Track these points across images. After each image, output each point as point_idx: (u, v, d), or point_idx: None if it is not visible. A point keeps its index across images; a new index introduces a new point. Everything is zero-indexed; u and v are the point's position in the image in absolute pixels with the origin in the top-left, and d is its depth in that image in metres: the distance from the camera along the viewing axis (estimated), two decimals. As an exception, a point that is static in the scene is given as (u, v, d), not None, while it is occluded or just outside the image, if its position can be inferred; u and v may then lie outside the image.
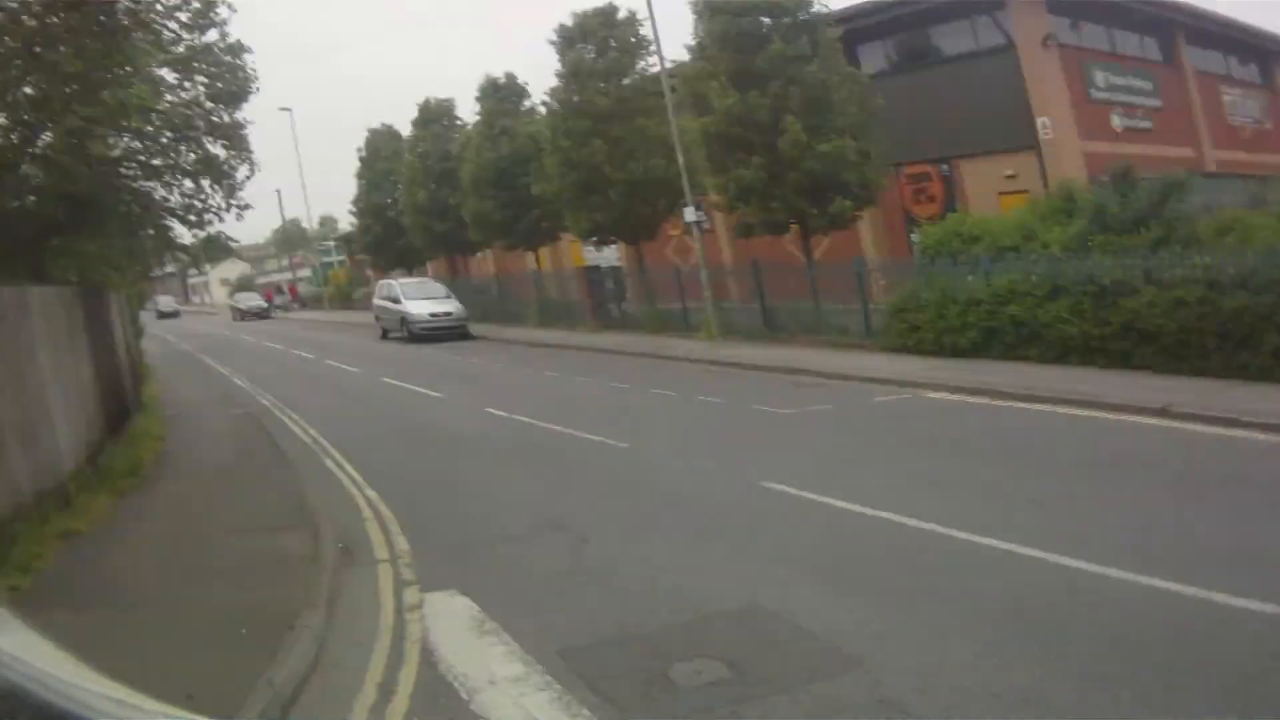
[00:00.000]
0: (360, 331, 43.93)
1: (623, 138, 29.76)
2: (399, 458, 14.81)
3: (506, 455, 14.24)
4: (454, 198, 42.95)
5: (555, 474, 12.79)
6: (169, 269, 26.50)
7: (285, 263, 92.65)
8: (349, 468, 14.09)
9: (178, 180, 16.44)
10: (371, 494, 12.26)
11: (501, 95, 40.19)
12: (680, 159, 25.69)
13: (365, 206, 54.27)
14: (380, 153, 54.03)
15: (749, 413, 16.14)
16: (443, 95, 51.08)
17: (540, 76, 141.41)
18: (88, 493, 11.93)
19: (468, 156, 40.82)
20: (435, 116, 47.66)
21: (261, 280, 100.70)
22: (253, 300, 72.78)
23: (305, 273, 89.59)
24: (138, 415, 19.03)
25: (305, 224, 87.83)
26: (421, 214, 45.90)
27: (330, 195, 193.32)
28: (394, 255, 53.75)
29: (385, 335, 39.10)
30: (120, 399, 17.91)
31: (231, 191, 16.77)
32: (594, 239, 33.03)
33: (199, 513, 11.65)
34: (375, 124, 56.52)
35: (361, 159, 54.82)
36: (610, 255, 38.14)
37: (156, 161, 16.10)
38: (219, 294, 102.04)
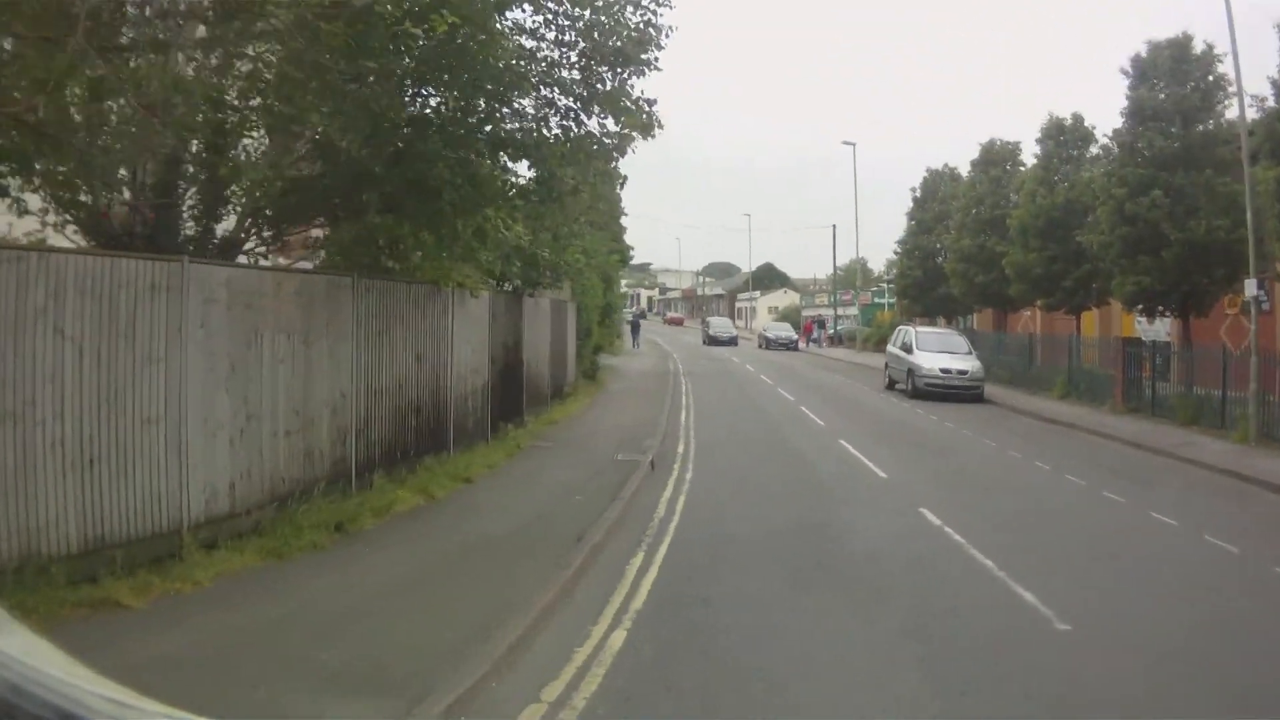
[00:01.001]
0: (869, 378, 43.10)
1: (1185, 190, 26.44)
2: (724, 579, 10.86)
3: (882, 605, 10.06)
4: (1000, 247, 40.90)
5: (919, 669, 8.15)
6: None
7: (835, 298, 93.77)
8: (647, 579, 10.63)
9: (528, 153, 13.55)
10: (609, 654, 8.25)
11: (1065, 138, 37.64)
12: (1249, 220, 22.22)
13: (910, 248, 53.46)
14: (935, 194, 53.05)
15: (1265, 580, 11.70)
16: (1012, 138, 48.89)
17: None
18: (224, 548, 10.07)
19: (1020, 202, 38.72)
20: (997, 159, 45.81)
21: (808, 313, 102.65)
22: (781, 331, 74.28)
23: (853, 311, 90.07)
24: (470, 449, 17.36)
25: (870, 264, 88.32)
26: (965, 261, 44.19)
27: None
28: (934, 303, 52.43)
29: (891, 386, 37.84)
30: (416, 426, 15.33)
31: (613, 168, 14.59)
32: (1140, 307, 29.74)
33: (295, 633, 8.27)
34: (937, 164, 55.53)
35: (915, 199, 54.16)
36: (1161, 329, 34.36)
37: (488, 127, 13.22)
38: (764, 321, 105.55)
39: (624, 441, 20.91)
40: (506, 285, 21.35)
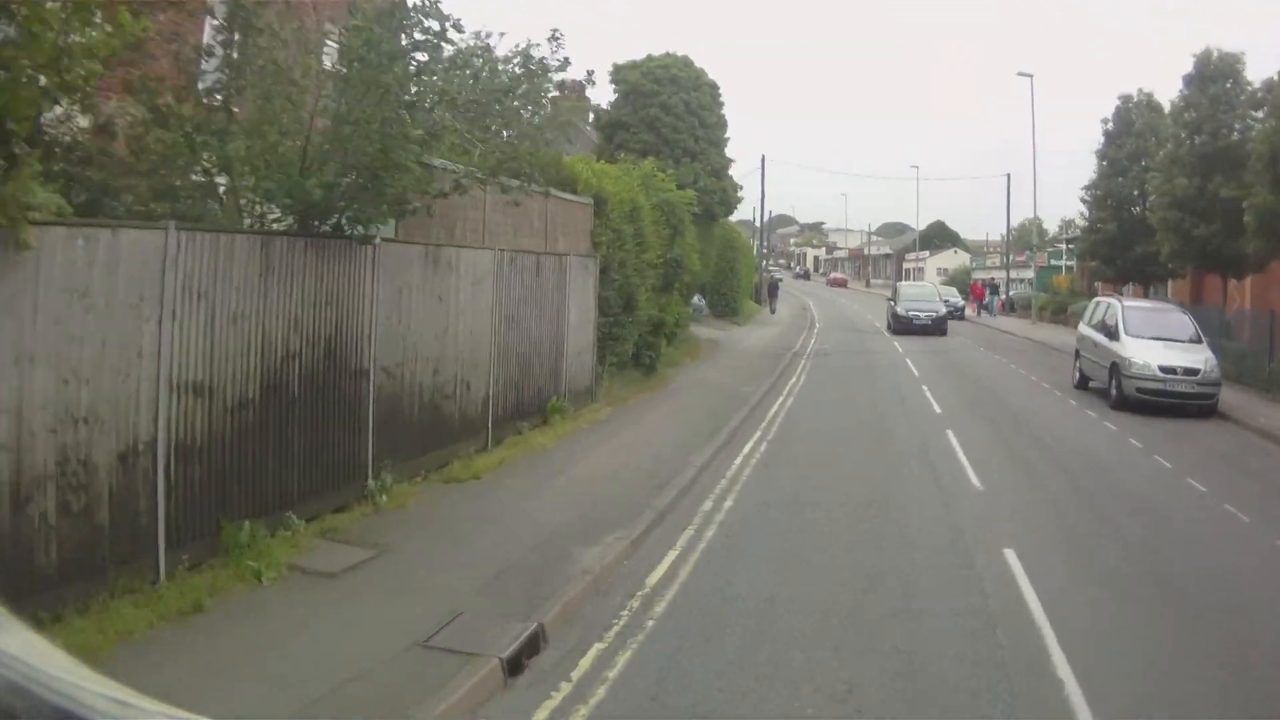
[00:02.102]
0: (1051, 364, 30.70)
1: None
2: None
3: None
4: (1228, 189, 28.06)
5: None
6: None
7: (1009, 259, 79.54)
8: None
9: None
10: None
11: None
12: None
13: (1100, 195, 40.18)
14: (1131, 127, 39.71)
15: None
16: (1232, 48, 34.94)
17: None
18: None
19: (1269, 120, 25.90)
20: (1216, 74, 32.38)
21: (979, 274, 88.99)
22: (945, 297, 60.70)
23: (1028, 274, 76.87)
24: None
25: (1046, 224, 74.38)
26: (1178, 209, 31.18)
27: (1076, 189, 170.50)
28: (1129, 265, 39.22)
29: (1083, 384, 25.40)
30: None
31: None
32: None
33: None
34: (1131, 90, 41.78)
35: (1106, 133, 40.78)
36: None
37: None
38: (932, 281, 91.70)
39: (512, 569, 9.15)
40: (323, 223, 10.15)
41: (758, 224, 76.90)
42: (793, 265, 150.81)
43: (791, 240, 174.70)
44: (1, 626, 1.62)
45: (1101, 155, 40.36)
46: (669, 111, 31.56)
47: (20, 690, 1.37)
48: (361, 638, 7.26)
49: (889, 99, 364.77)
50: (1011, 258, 76.73)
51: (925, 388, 24.48)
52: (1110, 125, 40.38)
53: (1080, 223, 42.00)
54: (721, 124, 33.48)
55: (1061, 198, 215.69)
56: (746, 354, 31.59)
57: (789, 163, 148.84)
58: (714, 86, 33.11)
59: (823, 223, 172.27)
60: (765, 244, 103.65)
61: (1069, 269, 67.29)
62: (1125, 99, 40.33)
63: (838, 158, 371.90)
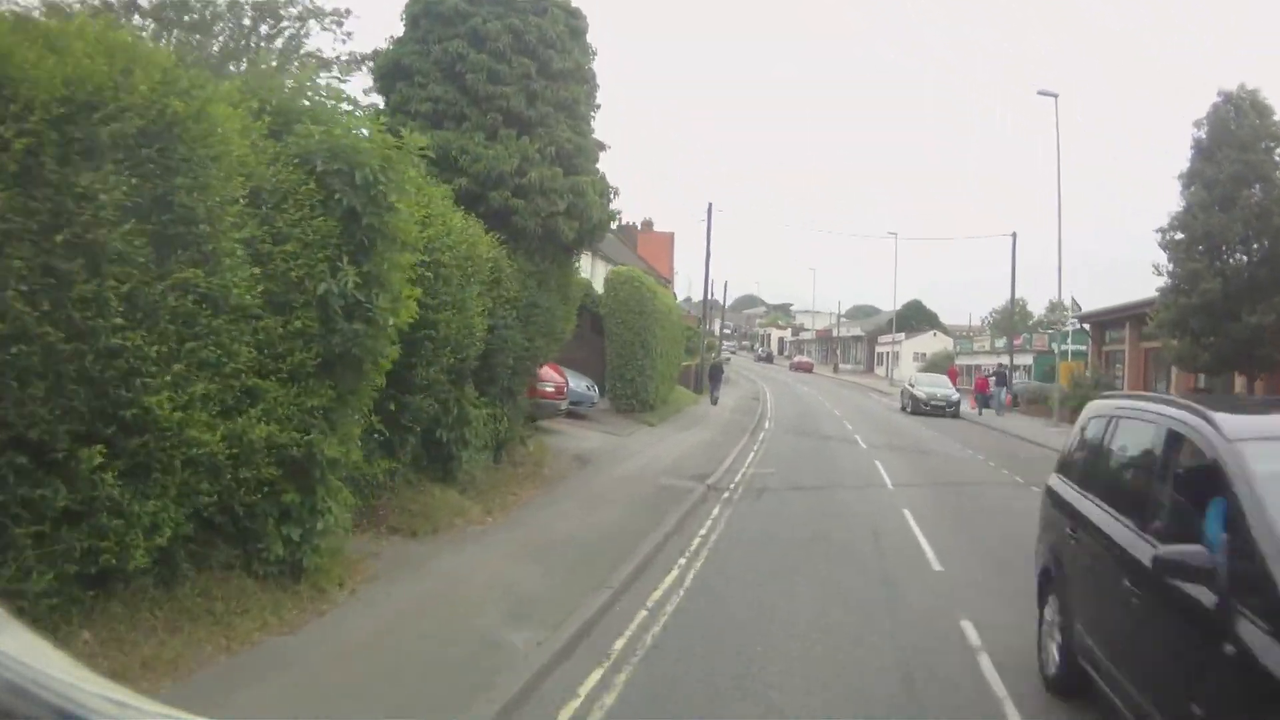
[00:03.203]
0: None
1: None
2: None
3: None
4: None
5: None
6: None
7: (1000, 343, 66.04)
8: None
9: None
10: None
11: None
12: None
13: (1190, 238, 26.20)
14: (1232, 137, 25.97)
15: None
16: None
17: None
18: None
19: None
20: None
21: (964, 361, 75.86)
22: (936, 388, 46.14)
23: (1025, 360, 64.17)
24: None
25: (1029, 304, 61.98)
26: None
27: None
28: (1227, 346, 25.30)
29: None
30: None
31: None
32: None
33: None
34: (1231, 86, 27.81)
35: (1196, 145, 26.86)
36: None
37: None
38: (908, 369, 77.92)
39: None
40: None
41: (707, 291, 62.84)
42: (756, 347, 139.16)
43: (757, 321, 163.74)
44: (2, 628, 1.58)
45: (1190, 178, 26.47)
46: (483, 45, 16.76)
47: (20, 691, 1.33)
48: None
49: (868, 158, 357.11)
50: (1009, 341, 63.63)
51: (967, 624, 10.18)
52: (1203, 133, 26.58)
53: (1160, 280, 27.67)
54: (584, 77, 18.39)
55: (1047, 278, 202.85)
56: (619, 491, 17.21)
57: (744, 213, 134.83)
58: (573, 14, 18.30)
59: (790, 304, 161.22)
60: (723, 320, 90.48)
61: (1077, 354, 54.02)
62: (1226, 96, 26.53)
63: (811, 225, 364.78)
